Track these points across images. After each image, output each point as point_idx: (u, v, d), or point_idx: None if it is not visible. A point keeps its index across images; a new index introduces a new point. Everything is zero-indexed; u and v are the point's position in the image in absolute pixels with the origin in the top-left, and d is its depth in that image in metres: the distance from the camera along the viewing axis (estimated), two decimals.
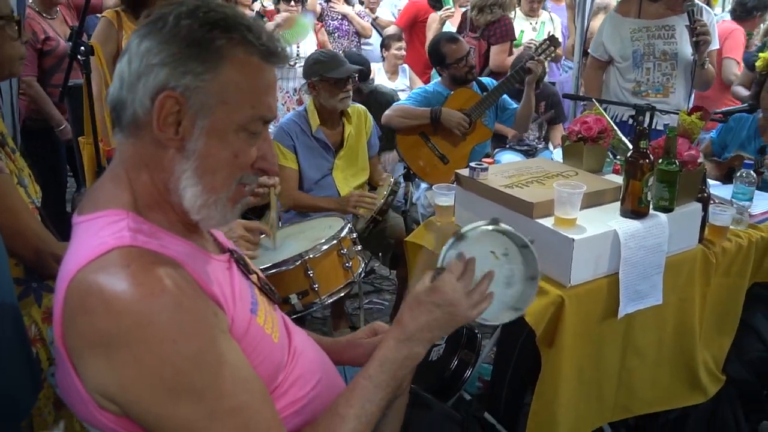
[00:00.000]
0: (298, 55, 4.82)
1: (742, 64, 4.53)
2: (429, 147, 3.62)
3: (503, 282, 1.37)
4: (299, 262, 2.20)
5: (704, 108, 2.54)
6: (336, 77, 3.11)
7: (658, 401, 2.33)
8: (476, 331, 2.64)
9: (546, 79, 4.96)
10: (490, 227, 1.31)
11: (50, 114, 3.66)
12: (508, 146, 4.34)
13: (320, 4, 5.75)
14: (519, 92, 3.70)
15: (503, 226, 1.32)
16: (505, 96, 3.69)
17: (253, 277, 1.29)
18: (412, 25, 5.61)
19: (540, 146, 4.42)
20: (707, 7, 3.66)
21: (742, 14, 4.90)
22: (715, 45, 3.51)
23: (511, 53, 4.70)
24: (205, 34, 1.04)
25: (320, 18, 5.62)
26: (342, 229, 2.37)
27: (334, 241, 2.29)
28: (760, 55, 3.37)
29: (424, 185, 3.79)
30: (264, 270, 2.11)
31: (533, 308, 1.89)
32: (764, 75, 3.29)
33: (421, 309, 1.23)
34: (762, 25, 5.47)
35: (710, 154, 3.55)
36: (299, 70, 4.55)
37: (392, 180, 3.11)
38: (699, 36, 3.25)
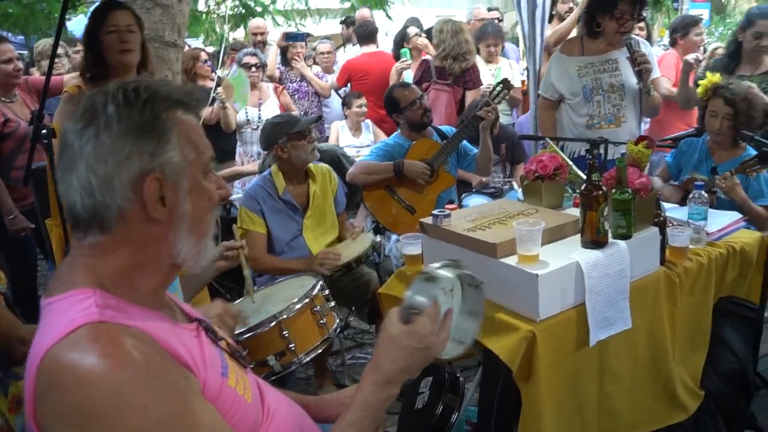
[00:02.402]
0: (259, 118, 4.93)
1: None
2: (395, 199, 3.70)
3: None
4: (274, 323, 2.23)
5: (649, 137, 2.66)
6: (300, 130, 3.21)
7: (641, 423, 2.37)
8: (458, 375, 2.68)
9: (506, 121, 5.12)
10: (454, 270, 1.37)
11: (2, 202, 3.62)
12: (474, 190, 4.44)
13: (278, 68, 5.89)
14: (478, 137, 3.81)
15: (464, 268, 1.39)
16: (465, 142, 3.80)
17: (222, 343, 1.33)
18: (349, 84, 5.78)
19: (506, 188, 4.52)
20: (643, 40, 3.84)
21: (671, 42, 5.15)
22: (656, 73, 3.68)
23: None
24: (149, 113, 1.13)
25: (279, 81, 5.74)
26: (314, 287, 2.41)
27: (307, 300, 2.33)
28: (700, 82, 3.54)
29: (394, 237, 3.86)
30: (240, 334, 2.15)
31: (506, 345, 1.96)
32: (706, 101, 3.46)
33: (400, 352, 1.28)
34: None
35: (667, 178, 3.69)
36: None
37: (374, 240, 3.18)
38: (640, 65, 3.41)
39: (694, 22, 5.17)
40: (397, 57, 5.75)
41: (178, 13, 3.96)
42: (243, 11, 7.94)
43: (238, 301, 2.65)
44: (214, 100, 4.84)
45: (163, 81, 1.21)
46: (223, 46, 5.44)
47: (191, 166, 1.16)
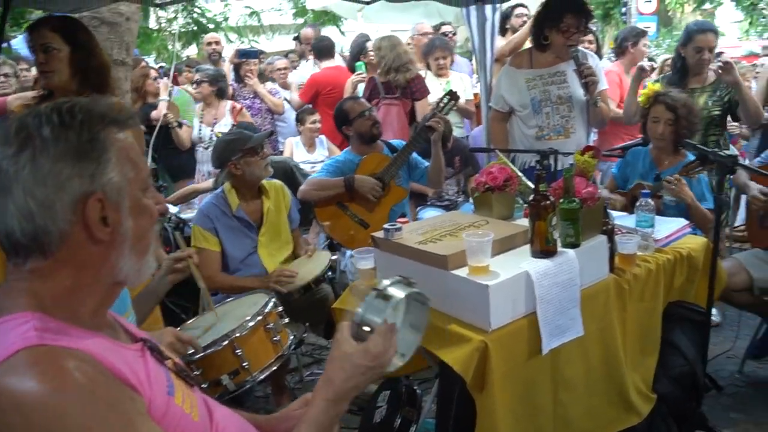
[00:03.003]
0: (211, 138, 4.90)
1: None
2: (348, 215, 3.69)
3: None
4: (226, 342, 2.21)
5: (595, 147, 2.72)
6: (253, 146, 3.19)
7: (596, 429, 2.40)
8: (416, 387, 2.68)
9: (459, 133, 5.17)
10: (406, 289, 1.37)
11: None
12: (429, 203, 4.46)
13: (231, 85, 5.86)
14: (431, 150, 3.84)
15: (415, 287, 1.39)
16: (415, 155, 3.82)
17: (168, 362, 1.31)
18: (315, 99, 5.75)
19: (460, 200, 4.56)
20: (590, 52, 3.92)
21: (617, 51, 5.28)
22: (603, 85, 3.75)
23: None
24: (87, 134, 1.11)
25: (232, 98, 5.71)
26: (266, 304, 2.40)
27: (260, 317, 2.31)
28: (642, 92, 3.64)
29: (349, 252, 3.86)
30: (192, 354, 2.11)
31: (459, 356, 1.97)
32: (647, 109, 3.55)
33: (354, 371, 1.28)
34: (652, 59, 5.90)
35: (615, 187, 3.77)
36: None
37: (330, 259, 3.17)
38: (587, 78, 3.49)
39: (643, 33, 5.34)
40: (352, 70, 5.79)
41: (126, 31, 3.92)
42: (195, 28, 7.89)
43: (193, 319, 2.61)
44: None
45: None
46: (174, 63, 5.40)
47: (131, 184, 1.15)
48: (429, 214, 4.28)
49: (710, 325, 2.86)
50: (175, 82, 5.72)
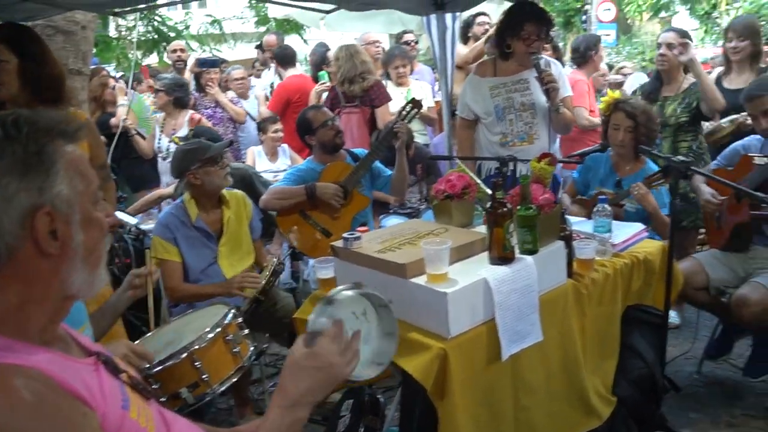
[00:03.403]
0: (168, 149, 4.85)
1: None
2: (310, 223, 3.68)
3: (362, 340, 1.45)
4: (185, 354, 2.18)
5: (552, 154, 2.75)
6: (212, 155, 3.16)
7: None
8: (379, 396, 2.68)
9: (422, 141, 5.19)
10: (354, 291, 1.39)
11: None
12: (392, 211, 4.47)
13: (192, 94, 5.80)
14: (394, 158, 3.85)
15: (365, 288, 1.41)
16: (377, 163, 3.83)
17: (123, 376, 1.30)
18: (286, 108, 5.72)
19: (422, 207, 4.57)
20: (554, 60, 3.96)
21: (579, 60, 5.35)
22: (567, 92, 3.79)
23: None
24: (33, 146, 1.09)
25: (193, 107, 5.66)
26: (226, 315, 2.37)
27: (219, 329, 2.28)
28: (602, 99, 3.71)
29: (312, 261, 3.84)
30: (150, 368, 2.08)
31: (419, 364, 1.98)
32: (608, 116, 3.62)
33: (302, 374, 1.29)
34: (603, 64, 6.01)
35: (575, 193, 3.83)
36: None
37: (275, 260, 3.15)
38: (547, 85, 3.53)
39: (599, 39, 5.44)
40: (315, 79, 5.78)
41: (82, 40, 3.86)
42: (155, 37, 7.81)
43: (151, 333, 2.57)
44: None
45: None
46: (132, 72, 5.33)
47: (81, 196, 1.14)
48: (392, 222, 4.28)
49: (668, 328, 2.90)
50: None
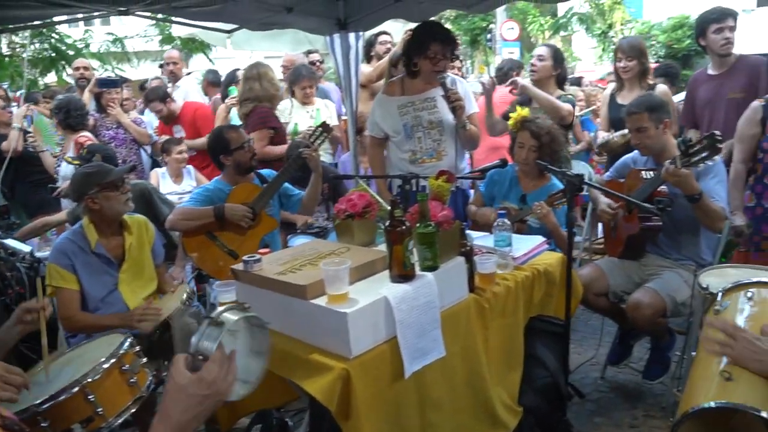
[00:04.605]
0: (56, 172, 4.67)
1: None
2: (217, 245, 3.60)
3: None
4: (77, 388, 2.08)
5: (449, 171, 2.80)
6: (113, 180, 3.06)
7: None
8: (287, 419, 2.64)
9: (328, 160, 5.19)
10: (238, 314, 1.37)
11: None
12: (299, 231, 4.44)
13: (93, 115, 5.60)
14: (301, 178, 3.83)
15: (249, 311, 1.39)
16: (286, 184, 3.80)
17: None
18: (193, 124, 5.63)
19: (330, 227, 4.55)
20: (459, 78, 4.05)
21: (503, 78, 5.52)
22: (473, 108, 3.88)
23: (280, 142, 4.87)
24: None
25: (94, 129, 5.46)
26: (121, 345, 2.28)
27: (114, 359, 2.19)
28: (511, 115, 3.80)
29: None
30: (38, 405, 1.98)
31: (322, 385, 1.96)
32: (515, 132, 3.71)
33: (190, 401, 1.26)
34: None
35: (482, 204, 3.91)
36: None
37: (187, 288, 3.07)
38: (453, 102, 3.60)
39: (522, 65, 5.63)
40: (224, 97, 5.71)
41: None
42: (53, 55, 7.51)
43: (36, 368, 2.43)
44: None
45: None
46: (24, 90, 5.11)
47: None
48: (299, 242, 4.25)
49: (570, 336, 2.99)
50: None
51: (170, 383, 1.28)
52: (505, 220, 2.81)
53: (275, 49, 6.43)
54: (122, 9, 3.54)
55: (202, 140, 5.11)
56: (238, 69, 5.93)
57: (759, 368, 1.69)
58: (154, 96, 5.67)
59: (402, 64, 3.90)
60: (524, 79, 4.73)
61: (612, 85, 4.77)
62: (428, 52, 3.60)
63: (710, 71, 4.27)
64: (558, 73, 4.47)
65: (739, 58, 4.16)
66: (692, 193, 3.03)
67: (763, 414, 1.61)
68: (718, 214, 3.12)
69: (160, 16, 4.60)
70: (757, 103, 3.52)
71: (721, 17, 4.10)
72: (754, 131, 3.48)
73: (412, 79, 3.79)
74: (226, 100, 5.53)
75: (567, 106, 4.31)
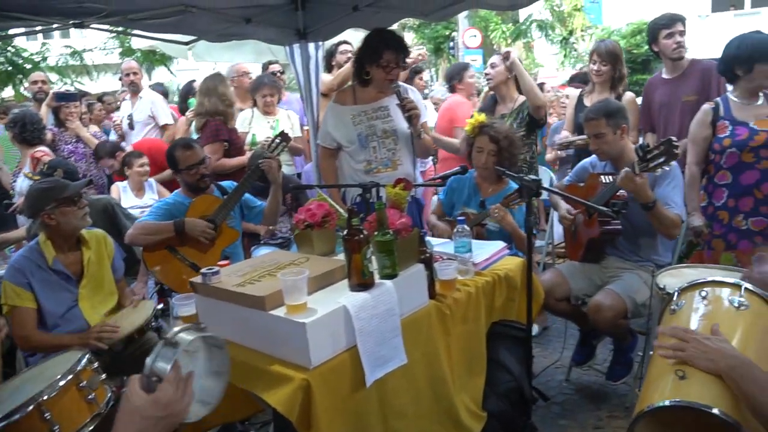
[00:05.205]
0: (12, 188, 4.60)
1: None
2: (178, 258, 3.57)
3: None
4: (32, 406, 2.04)
5: (405, 179, 2.81)
6: (70, 194, 3.01)
7: None
8: (251, 431, 2.62)
9: (290, 171, 5.17)
10: (194, 334, 1.36)
11: None
12: (263, 242, 4.42)
13: (51, 129, 5.52)
14: (264, 189, 3.81)
15: (205, 331, 1.38)
16: (247, 195, 3.77)
17: None
18: (153, 162, 5.54)
19: (293, 237, 4.53)
20: (412, 87, 4.05)
21: (451, 89, 5.56)
22: (426, 117, 3.90)
23: (236, 153, 4.85)
24: None
25: (52, 143, 5.38)
26: (78, 361, 2.25)
27: (71, 376, 2.16)
28: (468, 121, 3.83)
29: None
30: None
31: (282, 396, 1.95)
32: (473, 138, 3.74)
33: (144, 423, 1.25)
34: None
35: (442, 214, 3.93)
36: None
37: (153, 304, 3.03)
38: (409, 111, 3.59)
39: (465, 67, 5.66)
40: (183, 111, 5.67)
41: None
42: (9, 68, 7.38)
43: None
44: None
45: None
46: None
47: None
48: (263, 252, 4.24)
49: (532, 339, 3.01)
50: None
51: (124, 404, 1.27)
52: (465, 227, 2.83)
53: (237, 60, 6.38)
54: (77, 22, 3.50)
55: (167, 172, 5.07)
56: (194, 80, 5.89)
57: (710, 367, 1.72)
58: (103, 152, 5.50)
59: (354, 72, 3.88)
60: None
61: (572, 90, 4.84)
62: (381, 60, 3.57)
63: (665, 75, 4.35)
64: (514, 76, 4.50)
65: (691, 62, 4.26)
66: (646, 201, 3.09)
67: (714, 411, 1.64)
68: (672, 222, 3.18)
69: (117, 28, 4.53)
70: (707, 106, 3.59)
71: (670, 23, 4.20)
72: (705, 133, 3.56)
73: (364, 87, 3.76)
74: (187, 113, 5.48)
75: (544, 98, 4.35)
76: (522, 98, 4.46)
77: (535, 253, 4.45)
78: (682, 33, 4.19)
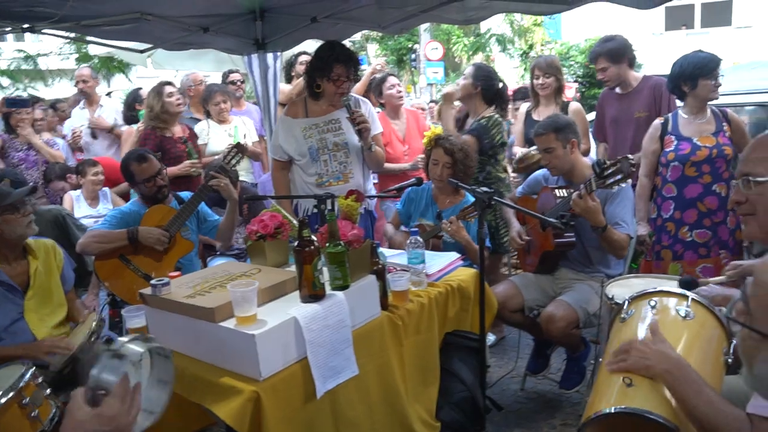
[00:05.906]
0: None
1: None
2: (131, 269, 3.51)
3: None
4: None
5: (357, 191, 2.82)
6: (12, 202, 2.94)
7: None
8: None
9: (249, 179, 5.14)
10: (141, 345, 1.34)
11: None
12: (219, 253, 4.38)
13: (1, 136, 5.40)
14: (220, 199, 3.78)
15: (152, 341, 1.36)
16: (204, 207, 3.74)
17: None
18: (108, 179, 5.46)
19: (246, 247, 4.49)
20: (363, 99, 4.03)
21: (378, 92, 5.54)
22: (377, 129, 3.90)
23: (175, 160, 4.74)
24: None
25: (2, 150, 5.26)
26: (21, 377, 2.19)
27: (12, 393, 2.10)
28: (425, 134, 3.86)
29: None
30: None
31: (231, 409, 1.94)
32: (429, 150, 3.78)
33: None
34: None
35: (399, 224, 3.95)
36: None
37: (96, 317, 2.96)
38: (359, 125, 3.59)
39: (382, 79, 5.48)
40: (129, 121, 5.58)
41: None
42: None
43: None
44: None
45: None
46: None
47: None
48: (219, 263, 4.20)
49: (485, 350, 3.04)
50: None
51: (68, 419, 1.24)
52: (418, 238, 2.85)
53: (198, 69, 6.34)
54: (27, 27, 3.43)
55: (124, 184, 5.00)
56: (140, 89, 5.80)
57: (649, 371, 1.76)
58: (53, 175, 5.35)
59: (305, 85, 3.84)
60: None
61: (526, 104, 4.90)
62: (332, 74, 3.57)
63: (618, 90, 4.44)
64: (479, 90, 4.33)
65: (643, 78, 4.36)
66: (597, 225, 3.13)
67: (653, 416, 1.68)
68: (621, 244, 3.22)
69: (70, 34, 4.46)
70: (658, 121, 3.71)
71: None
72: (654, 147, 3.67)
73: (315, 100, 3.75)
74: (139, 125, 5.39)
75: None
76: (487, 112, 4.33)
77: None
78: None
